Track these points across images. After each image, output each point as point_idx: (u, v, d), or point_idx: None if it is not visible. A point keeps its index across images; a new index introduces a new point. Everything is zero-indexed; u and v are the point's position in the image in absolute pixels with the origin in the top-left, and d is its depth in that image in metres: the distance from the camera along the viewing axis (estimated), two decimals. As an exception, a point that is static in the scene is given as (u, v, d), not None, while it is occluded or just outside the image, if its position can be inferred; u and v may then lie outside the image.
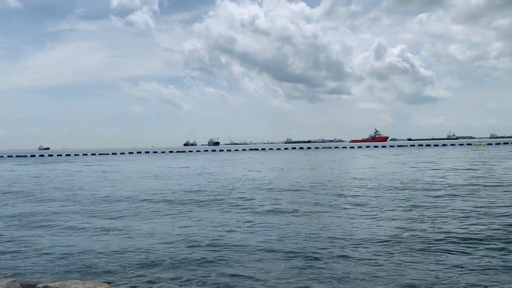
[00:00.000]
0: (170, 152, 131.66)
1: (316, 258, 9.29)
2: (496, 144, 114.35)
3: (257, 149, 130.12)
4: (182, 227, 13.35)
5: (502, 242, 10.10)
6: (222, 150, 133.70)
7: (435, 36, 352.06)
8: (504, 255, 9.14)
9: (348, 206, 16.30)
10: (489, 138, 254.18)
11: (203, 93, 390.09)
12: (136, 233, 12.57)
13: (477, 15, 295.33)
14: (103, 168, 50.22)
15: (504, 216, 13.24)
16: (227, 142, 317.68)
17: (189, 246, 10.73)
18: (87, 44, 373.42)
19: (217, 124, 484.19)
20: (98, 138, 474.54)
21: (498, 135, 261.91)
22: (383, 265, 8.70)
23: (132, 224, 14.00)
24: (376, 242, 10.52)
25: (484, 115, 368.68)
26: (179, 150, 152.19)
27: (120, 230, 13.13)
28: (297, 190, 22.19)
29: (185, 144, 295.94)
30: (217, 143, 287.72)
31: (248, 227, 13.06)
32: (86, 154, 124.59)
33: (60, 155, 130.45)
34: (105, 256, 10.04)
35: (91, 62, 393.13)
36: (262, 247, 10.36)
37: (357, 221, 13.43)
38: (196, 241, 11.19)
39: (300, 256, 9.53)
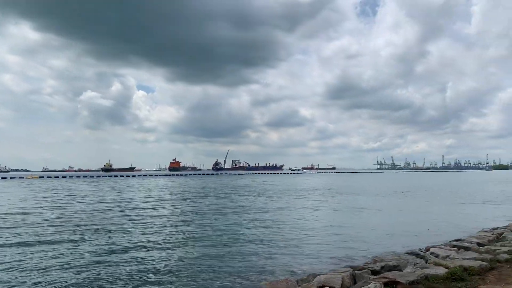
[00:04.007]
0: None
1: None
2: (47, 177, 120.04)
3: None
4: None
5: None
6: None
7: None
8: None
9: None
10: (42, 171, 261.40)
11: None
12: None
13: (34, 50, 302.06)
14: None
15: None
16: None
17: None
18: None
19: None
20: None
21: (51, 169, 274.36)
22: None
23: None
24: None
25: (38, 148, 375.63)
26: None
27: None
28: None
29: None
30: None
31: None
32: None
33: None
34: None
35: None
36: None
37: None
38: None
39: None
